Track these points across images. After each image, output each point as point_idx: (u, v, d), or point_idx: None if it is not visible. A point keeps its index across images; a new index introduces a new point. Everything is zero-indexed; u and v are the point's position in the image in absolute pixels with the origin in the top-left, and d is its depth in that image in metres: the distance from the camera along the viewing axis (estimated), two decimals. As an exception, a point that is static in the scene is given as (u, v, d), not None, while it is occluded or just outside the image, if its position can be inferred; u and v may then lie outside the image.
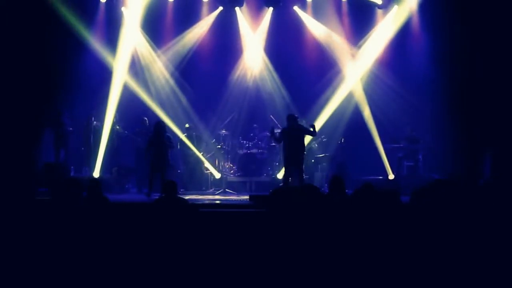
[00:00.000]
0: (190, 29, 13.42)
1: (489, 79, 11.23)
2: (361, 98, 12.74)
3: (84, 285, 3.97)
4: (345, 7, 13.27)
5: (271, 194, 3.69)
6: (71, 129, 11.97)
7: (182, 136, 12.27)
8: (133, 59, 12.98)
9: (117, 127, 12.12)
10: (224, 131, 12.90)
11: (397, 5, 12.86)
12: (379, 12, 13.15)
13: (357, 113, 12.69)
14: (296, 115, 10.45)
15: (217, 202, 10.06)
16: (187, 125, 12.51)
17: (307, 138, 11.05)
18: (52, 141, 11.90)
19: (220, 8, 13.38)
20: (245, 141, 12.83)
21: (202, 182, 12.33)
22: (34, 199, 4.98)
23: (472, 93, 11.57)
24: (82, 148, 12.26)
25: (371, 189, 4.04)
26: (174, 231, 7.24)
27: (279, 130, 10.75)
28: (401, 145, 12.47)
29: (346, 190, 11.19)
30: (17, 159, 10.29)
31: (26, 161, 10.47)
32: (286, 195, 3.60)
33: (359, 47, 13.14)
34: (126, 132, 12.15)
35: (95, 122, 12.10)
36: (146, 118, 12.39)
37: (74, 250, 3.99)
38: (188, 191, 11.69)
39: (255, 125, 13.16)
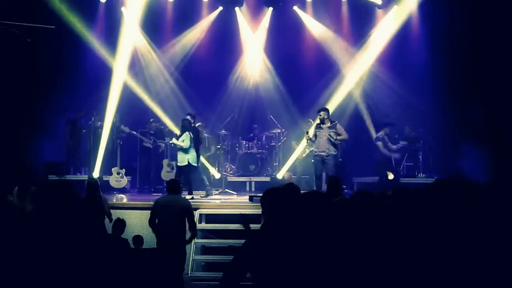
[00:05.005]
0: (190, 29, 13.42)
1: (490, 79, 11.23)
2: (360, 98, 12.72)
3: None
4: (345, 7, 13.26)
5: (263, 195, 3.69)
6: (84, 130, 12.11)
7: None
8: (133, 59, 12.97)
9: (122, 126, 12.10)
10: (224, 131, 12.89)
11: (397, 5, 12.86)
12: (379, 12, 13.14)
13: (357, 113, 12.68)
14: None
15: (217, 202, 10.06)
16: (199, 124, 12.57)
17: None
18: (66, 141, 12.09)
19: (220, 8, 13.38)
20: (245, 141, 12.82)
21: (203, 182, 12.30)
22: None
23: (472, 93, 11.57)
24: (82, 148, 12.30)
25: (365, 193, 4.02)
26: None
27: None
28: (401, 145, 12.45)
29: (346, 190, 11.20)
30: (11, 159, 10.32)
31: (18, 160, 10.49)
32: (274, 197, 3.59)
33: (359, 47, 13.14)
34: (133, 132, 12.13)
35: (99, 123, 12.10)
36: (153, 119, 12.43)
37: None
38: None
39: (255, 125, 13.15)
